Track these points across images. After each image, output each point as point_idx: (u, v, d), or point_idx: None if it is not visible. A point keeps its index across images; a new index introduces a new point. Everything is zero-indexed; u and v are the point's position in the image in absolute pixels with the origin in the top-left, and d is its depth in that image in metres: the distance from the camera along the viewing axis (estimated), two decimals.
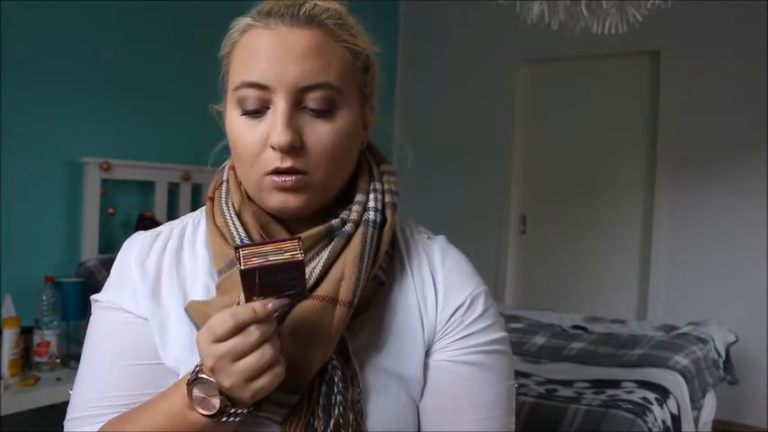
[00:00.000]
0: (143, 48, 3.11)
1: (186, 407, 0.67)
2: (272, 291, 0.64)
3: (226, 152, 0.85)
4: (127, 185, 3.06)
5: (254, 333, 0.62)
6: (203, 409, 0.66)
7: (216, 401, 0.65)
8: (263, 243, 0.66)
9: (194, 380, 0.66)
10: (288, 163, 0.72)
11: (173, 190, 3.21)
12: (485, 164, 4.39)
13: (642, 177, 3.96)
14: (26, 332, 2.28)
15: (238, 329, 0.63)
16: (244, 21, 0.76)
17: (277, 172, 0.72)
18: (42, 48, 2.74)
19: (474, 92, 4.42)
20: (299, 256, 0.63)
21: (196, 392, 0.66)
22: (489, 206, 4.38)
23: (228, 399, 0.65)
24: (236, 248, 0.64)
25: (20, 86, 2.66)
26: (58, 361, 2.32)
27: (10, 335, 2.16)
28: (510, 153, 4.32)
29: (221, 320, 0.63)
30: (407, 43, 4.68)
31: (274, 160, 0.72)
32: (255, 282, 0.63)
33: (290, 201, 0.74)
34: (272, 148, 0.72)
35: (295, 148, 0.72)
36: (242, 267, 0.62)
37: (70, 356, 2.40)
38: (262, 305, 0.63)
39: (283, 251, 0.63)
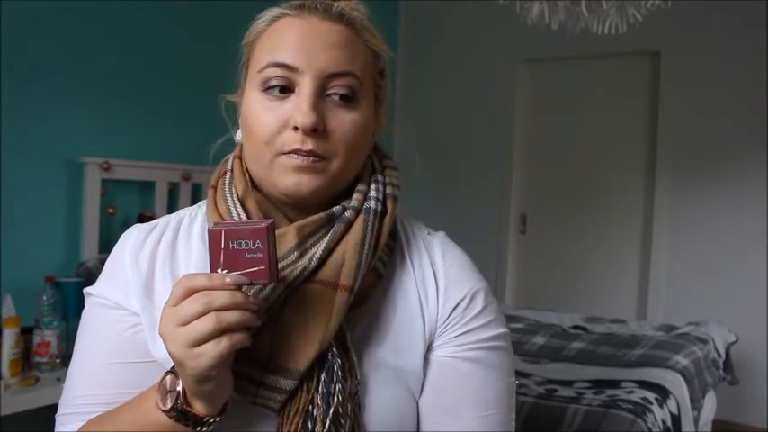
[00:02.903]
0: (143, 48, 3.11)
1: (156, 406, 0.67)
2: (236, 263, 0.64)
3: (227, 151, 0.85)
4: (127, 185, 3.06)
5: (200, 299, 0.61)
6: (161, 402, 0.66)
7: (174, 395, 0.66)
8: (237, 222, 0.68)
9: (169, 372, 0.67)
10: (309, 146, 0.72)
11: (173, 190, 3.21)
12: (485, 164, 4.39)
13: (642, 177, 3.96)
14: (26, 332, 2.27)
15: (189, 293, 0.62)
16: (273, 12, 0.77)
17: (296, 153, 0.72)
18: (42, 48, 2.73)
19: (474, 92, 4.42)
20: (264, 225, 0.64)
21: (164, 384, 0.67)
22: (489, 206, 4.38)
23: (186, 399, 0.66)
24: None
25: (20, 86, 2.65)
26: (58, 361, 2.31)
27: (10, 335, 2.16)
28: (510, 153, 4.32)
29: (178, 284, 0.63)
30: (407, 43, 4.68)
31: (295, 141, 0.72)
32: (221, 247, 0.63)
33: (304, 183, 0.73)
34: (295, 128, 0.72)
35: (317, 131, 0.72)
36: (210, 227, 0.64)
37: (70, 356, 2.39)
38: (219, 274, 0.63)
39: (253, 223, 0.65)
